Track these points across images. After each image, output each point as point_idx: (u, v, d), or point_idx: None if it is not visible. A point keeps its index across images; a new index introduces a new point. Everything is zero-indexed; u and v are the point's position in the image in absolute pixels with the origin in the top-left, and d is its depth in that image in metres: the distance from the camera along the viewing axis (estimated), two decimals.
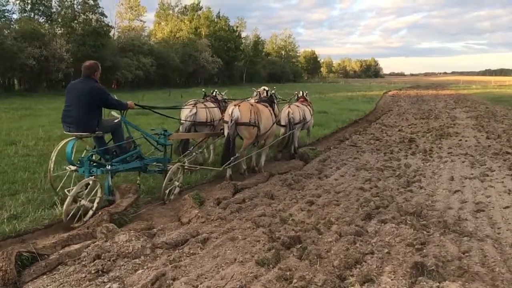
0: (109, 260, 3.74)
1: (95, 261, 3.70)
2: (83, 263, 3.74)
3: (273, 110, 8.29)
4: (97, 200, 5.17)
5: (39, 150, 8.73)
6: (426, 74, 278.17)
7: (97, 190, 5.15)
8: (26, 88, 34.32)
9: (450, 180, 7.50)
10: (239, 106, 7.09)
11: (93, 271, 3.55)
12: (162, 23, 62.55)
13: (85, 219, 4.93)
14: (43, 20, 38.97)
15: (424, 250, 4.17)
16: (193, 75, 55.85)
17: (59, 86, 37.96)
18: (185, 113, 7.71)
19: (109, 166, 5.35)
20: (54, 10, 39.63)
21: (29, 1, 37.72)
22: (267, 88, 9.24)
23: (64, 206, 4.70)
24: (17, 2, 37.09)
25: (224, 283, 3.35)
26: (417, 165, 8.77)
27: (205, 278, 3.47)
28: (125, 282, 3.42)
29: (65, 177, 5.79)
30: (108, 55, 40.18)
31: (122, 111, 5.82)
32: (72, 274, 3.55)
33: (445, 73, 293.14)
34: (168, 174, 5.93)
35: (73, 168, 5.38)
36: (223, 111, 8.37)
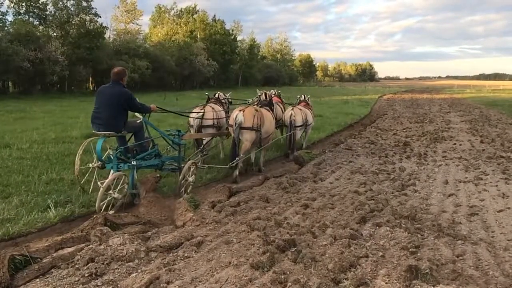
0: (103, 264, 3.71)
1: (89, 265, 3.67)
2: (77, 266, 3.71)
3: (274, 113, 8.85)
4: (123, 193, 5.65)
5: (33, 153, 8.69)
6: (420, 78, 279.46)
7: (124, 184, 5.64)
8: (21, 91, 34.21)
9: (445, 183, 7.53)
10: (243, 111, 7.48)
11: (86, 275, 3.53)
12: (158, 26, 62.54)
13: (113, 210, 5.43)
14: (37, 22, 38.84)
15: (418, 254, 4.18)
16: (189, 78, 55.86)
17: (54, 89, 37.92)
18: (193, 116, 8.21)
19: (134, 162, 5.82)
20: (48, 12, 39.52)
21: (23, 4, 37.58)
22: (274, 91, 10.42)
23: (98, 197, 5.18)
24: (12, 4, 36.95)
25: (218, 286, 3.34)
26: (412, 168, 8.80)
27: (200, 281, 3.45)
28: (118, 285, 3.40)
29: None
30: (103, 58, 40.10)
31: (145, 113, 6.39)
32: (65, 278, 3.53)
33: (439, 77, 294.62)
34: (182, 172, 6.30)
35: (96, 165, 5.97)
36: (226, 112, 9.00)
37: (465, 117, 20.29)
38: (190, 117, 8.35)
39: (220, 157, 9.25)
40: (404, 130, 15.44)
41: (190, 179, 6.58)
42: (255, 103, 8.99)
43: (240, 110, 7.53)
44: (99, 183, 5.65)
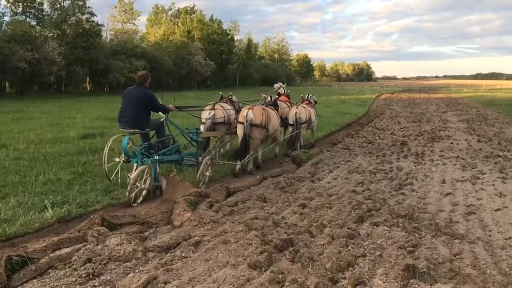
0: (100, 264, 3.70)
1: (86, 265, 3.67)
2: (74, 266, 3.70)
3: (280, 112, 9.49)
4: (147, 184, 6.11)
5: (30, 153, 8.66)
6: (418, 78, 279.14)
7: (148, 176, 6.11)
8: (18, 91, 34.12)
9: (442, 183, 7.55)
10: (252, 109, 8.02)
11: (83, 275, 3.52)
12: (155, 26, 62.45)
13: (138, 201, 5.94)
14: (34, 23, 38.73)
15: (416, 253, 4.18)
16: (186, 78, 55.79)
17: (51, 89, 37.78)
18: (205, 114, 8.60)
19: (157, 157, 6.34)
20: (45, 12, 39.42)
21: (20, 4, 37.46)
22: (283, 89, 11.64)
23: (128, 188, 5.75)
24: (8, 5, 36.82)
25: (216, 286, 3.34)
26: (409, 168, 8.81)
27: (197, 281, 3.45)
28: (116, 286, 3.39)
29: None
30: (101, 58, 40.05)
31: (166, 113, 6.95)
32: (62, 278, 3.52)
33: (436, 76, 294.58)
34: (201, 166, 6.81)
35: (121, 160, 6.44)
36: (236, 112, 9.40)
37: (462, 117, 20.34)
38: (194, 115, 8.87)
39: (220, 153, 9.29)
40: (402, 130, 15.47)
41: (207, 173, 7.09)
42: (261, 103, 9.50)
43: (248, 109, 8.02)
44: (128, 175, 6.21)
